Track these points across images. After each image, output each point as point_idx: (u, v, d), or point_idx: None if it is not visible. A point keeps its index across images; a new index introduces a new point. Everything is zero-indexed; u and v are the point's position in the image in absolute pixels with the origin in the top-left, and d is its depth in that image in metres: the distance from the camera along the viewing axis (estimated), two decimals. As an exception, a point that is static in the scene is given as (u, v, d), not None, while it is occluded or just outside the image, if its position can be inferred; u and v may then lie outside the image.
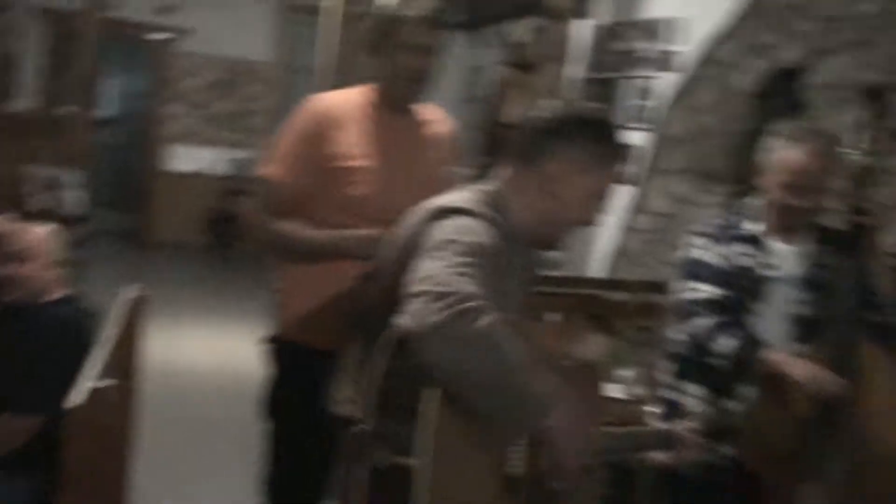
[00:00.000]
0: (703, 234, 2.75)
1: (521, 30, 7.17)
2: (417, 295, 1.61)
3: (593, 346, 4.10)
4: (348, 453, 1.79)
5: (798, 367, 2.49)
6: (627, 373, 3.52)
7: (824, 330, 2.56)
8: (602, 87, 6.37)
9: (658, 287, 5.09)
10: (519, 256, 1.92)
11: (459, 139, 2.89)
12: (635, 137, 5.97)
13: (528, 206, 1.90)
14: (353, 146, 2.57)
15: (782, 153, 2.61)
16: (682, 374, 2.75)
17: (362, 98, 2.67)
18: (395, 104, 2.65)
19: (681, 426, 2.18)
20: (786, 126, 2.71)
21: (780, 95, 4.76)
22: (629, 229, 5.96)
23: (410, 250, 1.78)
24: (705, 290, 2.65)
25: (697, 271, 2.69)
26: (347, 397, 1.92)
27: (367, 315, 1.93)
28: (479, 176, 2.06)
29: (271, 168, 2.64)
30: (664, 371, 2.84)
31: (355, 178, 2.54)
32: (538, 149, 1.90)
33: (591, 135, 1.90)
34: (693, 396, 2.70)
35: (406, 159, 2.63)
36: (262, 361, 2.71)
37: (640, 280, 5.26)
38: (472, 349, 1.58)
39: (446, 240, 1.72)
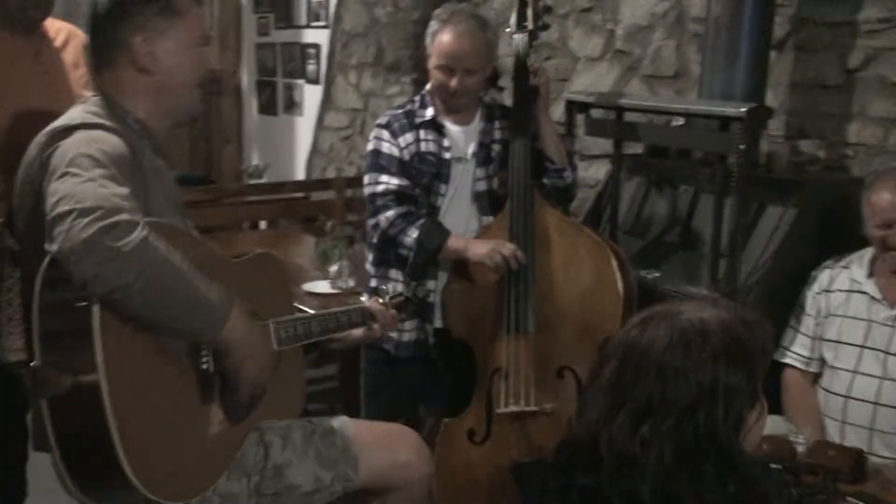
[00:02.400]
0: (384, 126, 2.83)
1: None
2: (62, 216, 1.54)
3: (304, 246, 4.18)
4: (30, 395, 1.75)
5: (473, 248, 2.68)
6: (336, 266, 3.61)
7: (506, 200, 2.77)
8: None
9: (357, 181, 5.24)
10: (156, 158, 1.87)
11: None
12: (315, 35, 5.99)
13: (141, 97, 1.85)
14: None
15: (436, 37, 2.73)
16: (382, 262, 2.88)
17: None
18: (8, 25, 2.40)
19: (372, 302, 2.30)
20: (440, 10, 2.82)
21: (446, -19, 4.95)
22: (322, 128, 6.03)
23: (38, 179, 1.70)
24: (388, 182, 2.76)
25: (381, 163, 2.79)
26: (19, 344, 1.86)
27: (19, 256, 1.85)
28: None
29: None
30: (369, 261, 2.96)
31: None
32: (108, 42, 1.85)
33: (139, 4, 1.83)
34: (396, 280, 2.85)
35: (28, 90, 2.40)
36: None
37: (340, 177, 5.38)
38: (130, 261, 1.53)
39: (77, 154, 1.64)
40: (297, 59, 6.20)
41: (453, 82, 2.72)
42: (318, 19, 5.94)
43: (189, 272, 1.63)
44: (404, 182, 2.77)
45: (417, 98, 2.88)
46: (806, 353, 2.66)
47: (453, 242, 2.72)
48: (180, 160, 6.74)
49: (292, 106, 6.34)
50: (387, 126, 2.83)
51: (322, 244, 3.79)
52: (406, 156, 2.79)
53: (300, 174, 6.31)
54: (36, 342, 1.62)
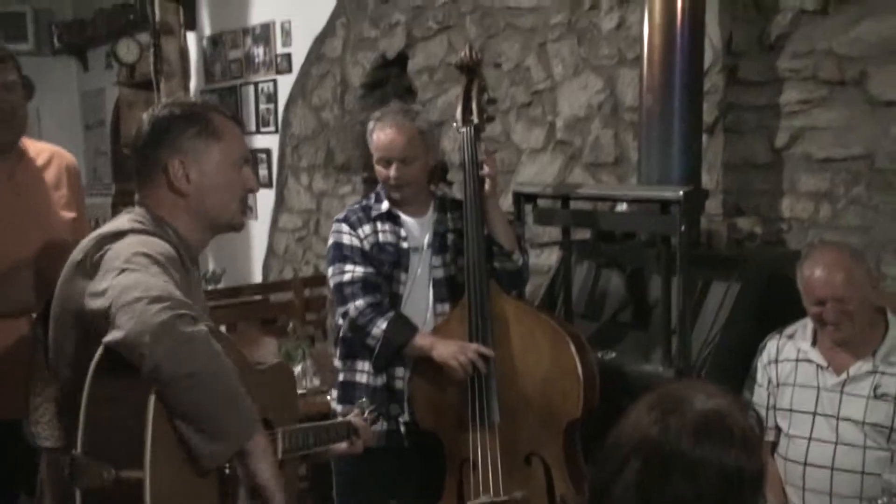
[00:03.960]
0: (344, 220, 2.94)
1: (126, 48, 7.03)
2: (130, 303, 1.55)
3: (266, 348, 4.22)
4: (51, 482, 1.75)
5: (439, 349, 2.76)
6: (300, 367, 3.67)
7: (462, 287, 2.87)
8: (225, 96, 6.46)
9: (315, 280, 5.32)
10: (193, 268, 1.92)
11: (79, 167, 2.85)
12: (266, 140, 6.13)
13: (179, 213, 1.89)
14: None
15: (373, 135, 2.89)
16: (350, 354, 2.95)
17: None
18: None
19: (355, 415, 2.34)
20: (376, 112, 2.97)
21: (388, 84, 5.14)
22: (276, 230, 6.12)
23: (81, 280, 1.72)
24: (352, 270, 2.85)
25: (344, 254, 2.89)
26: (48, 432, 1.87)
27: (54, 355, 1.87)
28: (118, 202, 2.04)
29: None
30: (336, 356, 3.02)
31: None
32: (148, 161, 1.89)
33: (183, 120, 1.89)
34: (364, 372, 2.91)
35: (8, 208, 2.51)
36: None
37: (298, 277, 5.46)
38: (200, 349, 1.56)
39: (133, 253, 1.68)
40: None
41: (392, 172, 2.85)
42: (266, 125, 6.09)
43: (236, 373, 1.65)
44: (370, 269, 2.86)
45: (372, 194, 3.01)
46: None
47: (420, 340, 2.80)
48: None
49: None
50: (345, 220, 2.94)
51: (285, 345, 3.85)
52: (366, 246, 2.89)
53: (257, 277, 6.37)
54: (80, 431, 1.61)
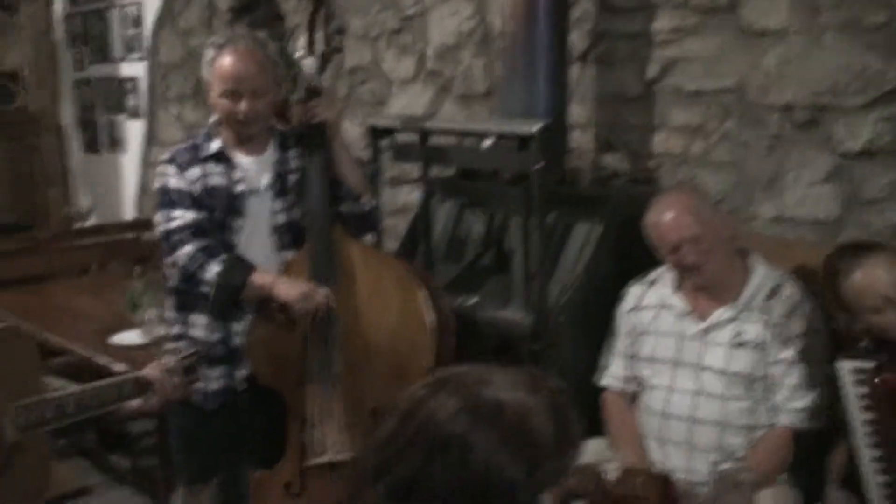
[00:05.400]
0: (171, 161, 2.65)
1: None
2: None
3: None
4: None
5: (281, 286, 2.53)
6: (146, 314, 3.41)
7: (305, 232, 2.64)
8: (92, 19, 6.02)
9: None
10: None
11: None
12: (133, 69, 5.74)
13: None
14: None
15: (215, 63, 2.58)
16: (184, 306, 2.70)
17: None
18: None
19: (153, 367, 2.12)
20: (215, 37, 2.68)
21: (259, 9, 4.80)
22: (148, 164, 5.76)
23: None
24: (181, 216, 2.58)
25: (172, 199, 2.61)
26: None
27: None
28: None
29: None
30: (169, 306, 2.78)
31: None
32: None
33: None
34: (198, 326, 2.67)
35: None
36: None
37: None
38: None
39: None
40: (115, 95, 5.92)
41: (242, 106, 2.56)
42: (132, 51, 5.68)
43: None
44: (200, 215, 2.59)
45: (203, 131, 2.72)
46: (622, 373, 2.62)
47: (259, 278, 2.55)
48: (1, 208, 6.36)
49: (116, 143, 6.05)
50: (171, 161, 2.65)
51: (130, 291, 3.57)
52: (196, 190, 2.62)
53: (130, 212, 6.02)
54: None
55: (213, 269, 2.54)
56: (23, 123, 6.48)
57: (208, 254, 2.56)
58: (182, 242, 2.57)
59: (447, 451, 1.15)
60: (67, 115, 6.46)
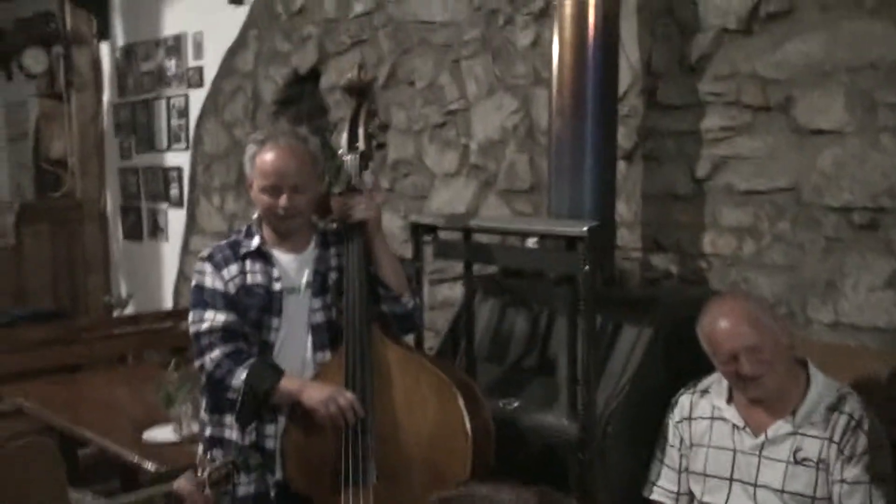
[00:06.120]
0: (209, 259, 2.61)
1: (34, 58, 6.64)
2: None
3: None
4: None
5: (309, 392, 2.45)
6: (178, 410, 3.33)
7: (342, 331, 2.55)
8: (137, 110, 6.10)
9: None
10: None
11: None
12: (177, 158, 5.78)
13: None
14: None
15: (256, 159, 2.55)
16: (216, 407, 2.62)
17: None
18: None
19: (185, 479, 2.02)
20: (255, 134, 2.66)
21: (303, 101, 4.82)
22: (187, 252, 5.75)
23: None
24: (211, 319, 2.52)
25: (205, 299, 2.56)
26: None
27: None
28: None
29: None
30: (203, 407, 2.70)
31: None
32: None
33: None
34: (232, 428, 2.58)
35: None
36: None
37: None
38: None
39: None
40: (159, 183, 5.96)
41: (282, 201, 2.52)
42: (178, 141, 5.74)
43: None
44: (231, 317, 2.53)
45: (243, 228, 2.68)
46: (673, 488, 2.47)
47: (287, 384, 2.47)
48: (42, 293, 6.38)
49: (157, 231, 6.07)
50: (209, 258, 2.60)
51: (165, 385, 3.49)
52: (231, 289, 2.56)
53: (169, 301, 6.00)
54: None
55: (241, 376, 2.47)
56: (68, 210, 6.56)
57: (235, 360, 2.49)
58: (211, 347, 2.51)
59: None
60: (111, 202, 6.51)
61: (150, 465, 3.22)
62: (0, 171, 8.90)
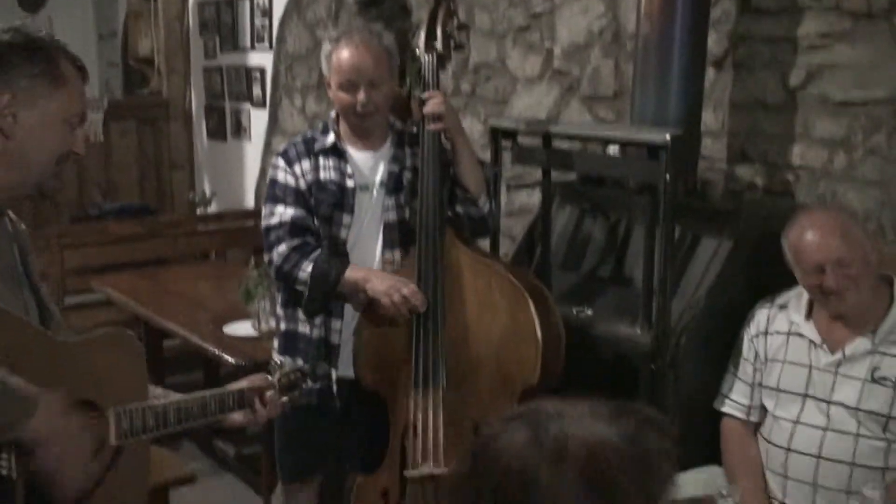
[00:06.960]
0: (283, 154, 2.63)
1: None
2: None
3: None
4: None
5: (373, 282, 2.46)
6: (256, 306, 3.40)
7: (415, 231, 2.55)
8: (224, 8, 6.10)
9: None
10: None
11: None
12: (260, 58, 5.78)
13: None
14: None
15: (332, 57, 2.55)
16: (289, 302, 2.66)
17: None
18: None
19: (257, 380, 2.05)
20: (332, 33, 2.64)
21: (385, 2, 4.74)
22: (269, 152, 5.80)
23: None
24: (281, 213, 2.56)
25: (276, 193, 2.59)
26: None
27: None
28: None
29: None
30: (278, 302, 2.74)
31: None
32: None
33: (26, 54, 1.60)
34: (304, 322, 2.63)
35: None
36: None
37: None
38: None
39: None
40: (242, 83, 5.99)
41: (360, 96, 2.52)
42: (261, 41, 5.73)
43: None
44: (300, 213, 2.56)
45: (320, 124, 2.69)
46: (745, 401, 2.44)
47: (352, 273, 2.50)
48: (129, 189, 6.53)
49: (240, 130, 6.12)
50: (283, 154, 2.64)
51: (245, 282, 3.57)
52: (303, 185, 2.58)
53: (251, 200, 6.09)
54: None
55: (307, 269, 2.50)
56: (155, 108, 6.65)
57: (302, 253, 2.52)
58: (279, 240, 2.55)
59: (511, 491, 1.04)
60: (196, 101, 6.58)
61: (230, 359, 3.32)
62: (90, 69, 9.08)
